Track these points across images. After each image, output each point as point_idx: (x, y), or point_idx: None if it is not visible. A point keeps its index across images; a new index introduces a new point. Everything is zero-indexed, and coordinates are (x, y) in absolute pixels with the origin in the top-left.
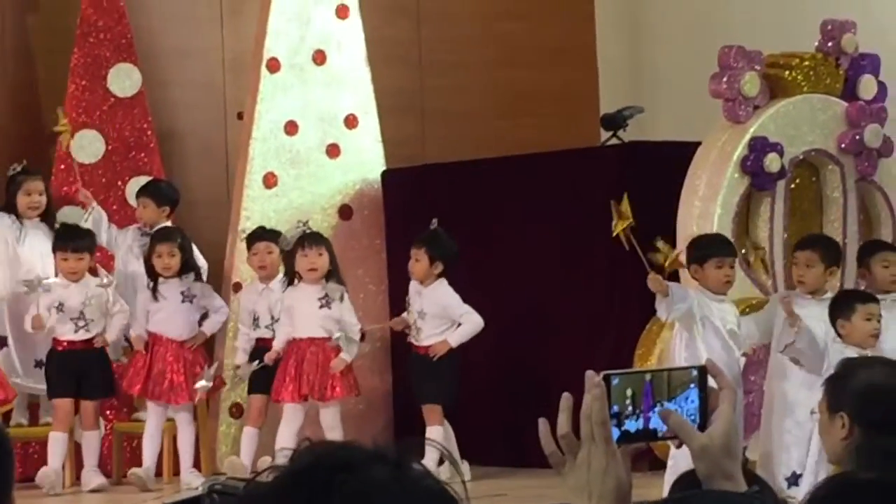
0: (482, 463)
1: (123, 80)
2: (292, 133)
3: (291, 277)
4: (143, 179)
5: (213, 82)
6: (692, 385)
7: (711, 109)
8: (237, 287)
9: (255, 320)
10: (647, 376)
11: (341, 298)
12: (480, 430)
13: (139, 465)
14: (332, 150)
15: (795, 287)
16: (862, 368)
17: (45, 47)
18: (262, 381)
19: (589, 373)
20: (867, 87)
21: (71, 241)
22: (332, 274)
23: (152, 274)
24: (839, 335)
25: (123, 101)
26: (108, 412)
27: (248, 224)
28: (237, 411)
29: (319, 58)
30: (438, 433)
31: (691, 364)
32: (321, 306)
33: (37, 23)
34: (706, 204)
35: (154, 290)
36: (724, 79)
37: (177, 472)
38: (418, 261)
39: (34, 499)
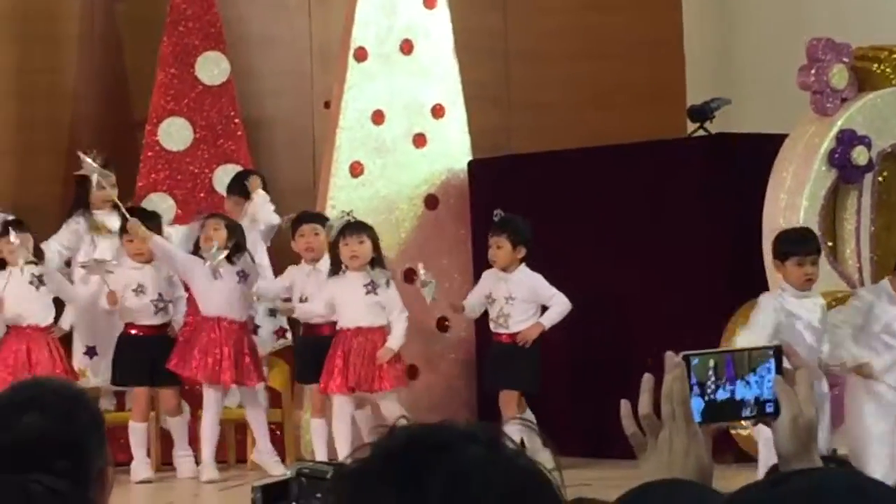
0: (560, 453)
1: (212, 68)
2: (379, 122)
3: (337, 268)
4: (230, 167)
5: (301, 71)
6: (769, 365)
7: (799, 102)
8: None
9: (303, 301)
10: (728, 356)
11: (387, 284)
12: (559, 419)
13: (225, 451)
14: (419, 140)
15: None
16: None
17: (133, 36)
18: (315, 368)
19: (668, 353)
20: None
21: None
22: (376, 261)
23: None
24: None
25: (211, 90)
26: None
27: (333, 213)
28: None
29: (407, 47)
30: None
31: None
32: (367, 293)
33: (125, 11)
34: (792, 197)
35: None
36: (813, 71)
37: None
38: (500, 247)
39: (122, 485)
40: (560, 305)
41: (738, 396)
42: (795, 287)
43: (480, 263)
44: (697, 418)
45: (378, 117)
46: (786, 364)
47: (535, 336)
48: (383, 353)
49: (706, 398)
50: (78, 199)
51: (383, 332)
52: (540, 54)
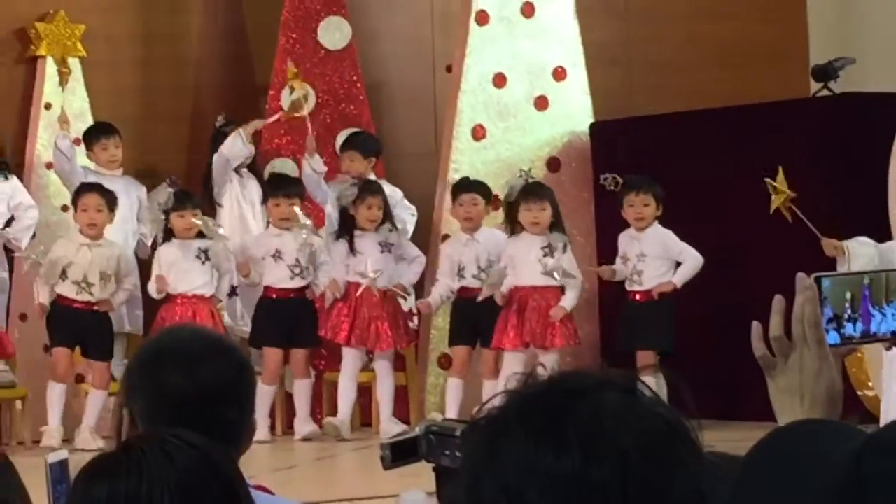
0: (688, 415)
1: (333, 32)
2: (500, 85)
3: (514, 226)
4: (353, 132)
5: (422, 35)
6: None
7: None
8: (445, 238)
9: (461, 270)
10: (866, 279)
11: (564, 248)
12: (691, 380)
13: None
14: (541, 103)
15: None
16: None
17: (255, 1)
18: (466, 331)
19: (800, 275)
20: None
21: (281, 188)
22: (556, 225)
23: (348, 226)
24: None
25: (333, 54)
26: (318, 361)
27: (456, 176)
28: (446, 362)
29: (528, 10)
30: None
31: None
32: (544, 255)
33: None
34: None
35: (351, 243)
36: None
37: (367, 423)
38: (647, 205)
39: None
40: (692, 260)
41: (872, 331)
42: None
43: (603, 225)
44: (834, 342)
45: (499, 80)
46: None
47: (669, 290)
48: (556, 312)
49: (841, 331)
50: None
51: (557, 292)
52: (660, 14)
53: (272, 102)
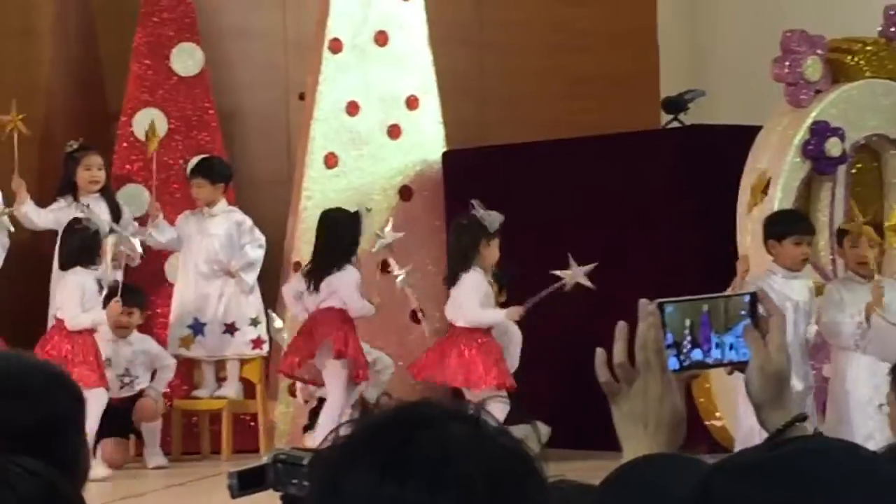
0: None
1: (186, 59)
2: (354, 113)
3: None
4: (201, 158)
5: (275, 62)
6: (745, 314)
7: (773, 93)
8: (297, 266)
9: None
10: (705, 306)
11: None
12: (540, 411)
13: (198, 442)
14: (394, 131)
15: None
16: None
17: (107, 28)
18: None
19: (642, 301)
20: None
21: (127, 295)
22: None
23: None
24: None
25: (186, 80)
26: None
27: (308, 203)
28: (296, 391)
29: (381, 39)
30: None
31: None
32: None
33: (99, 3)
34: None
35: None
36: (787, 63)
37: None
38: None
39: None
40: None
41: (712, 357)
42: (789, 267)
43: None
44: (675, 368)
45: (353, 108)
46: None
47: None
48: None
49: (681, 357)
50: (65, 183)
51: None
52: (514, 45)
53: (123, 129)
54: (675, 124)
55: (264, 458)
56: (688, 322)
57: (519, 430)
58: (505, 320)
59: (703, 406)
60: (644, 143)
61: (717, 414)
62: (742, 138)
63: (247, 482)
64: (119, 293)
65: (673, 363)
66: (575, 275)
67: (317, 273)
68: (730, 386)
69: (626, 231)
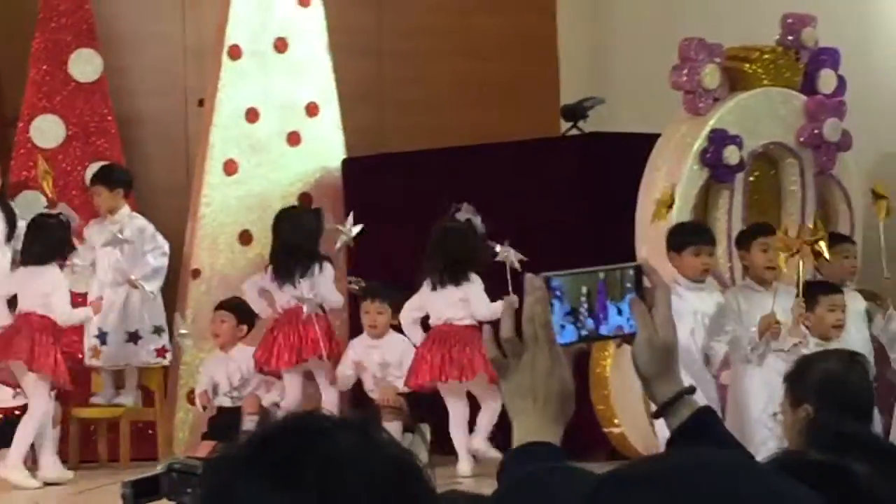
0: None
1: (84, 65)
2: (253, 121)
3: None
4: (100, 166)
5: (174, 69)
6: (630, 286)
7: (671, 101)
8: (196, 273)
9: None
10: (601, 274)
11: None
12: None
13: (96, 450)
14: (293, 138)
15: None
16: (818, 361)
17: (5, 32)
18: None
19: (528, 275)
20: (826, 81)
21: None
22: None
23: None
24: (806, 327)
25: (84, 87)
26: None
27: (207, 210)
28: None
29: (281, 45)
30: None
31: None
32: None
33: None
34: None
35: None
36: (685, 71)
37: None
38: (381, 313)
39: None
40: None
41: (609, 323)
42: (691, 277)
43: (354, 262)
44: (561, 340)
45: (252, 115)
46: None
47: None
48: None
49: (578, 325)
50: None
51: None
52: (414, 52)
53: (20, 135)
54: (575, 132)
55: (158, 468)
56: (584, 290)
57: (405, 440)
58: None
59: (602, 413)
60: (543, 151)
61: (616, 421)
62: (641, 146)
63: (141, 491)
64: None
65: (570, 333)
66: (508, 253)
67: (296, 269)
68: (630, 393)
69: (526, 238)
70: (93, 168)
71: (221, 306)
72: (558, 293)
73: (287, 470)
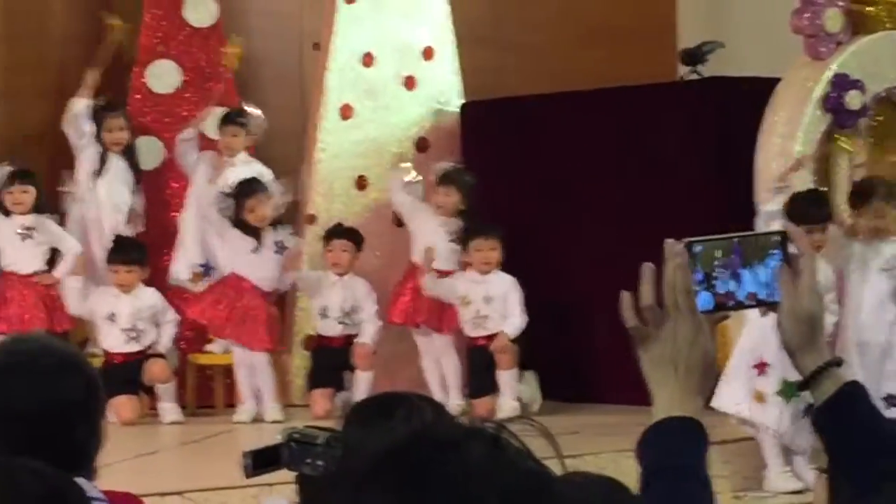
0: (548, 397)
1: (200, 9)
2: (369, 64)
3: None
4: (218, 110)
5: (289, 11)
6: (775, 251)
7: (792, 45)
8: (311, 219)
9: (325, 310)
10: (736, 240)
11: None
12: (547, 364)
13: (211, 396)
14: (409, 82)
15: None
16: None
17: None
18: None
19: (668, 241)
20: None
21: (120, 253)
22: (463, 213)
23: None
24: None
25: (200, 31)
26: (181, 343)
27: (323, 156)
28: (311, 343)
29: None
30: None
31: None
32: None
33: None
34: (786, 141)
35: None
36: (807, 14)
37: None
38: (494, 249)
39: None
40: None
41: (743, 289)
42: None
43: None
44: (701, 308)
45: (368, 59)
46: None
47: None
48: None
49: (713, 291)
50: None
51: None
52: None
53: (136, 81)
54: (693, 76)
55: (278, 437)
56: (718, 253)
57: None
58: None
59: None
60: (661, 95)
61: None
62: (761, 90)
63: (261, 462)
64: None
65: (706, 300)
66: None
67: None
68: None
69: (642, 184)
70: (213, 113)
71: (341, 235)
72: (695, 260)
73: (414, 486)
